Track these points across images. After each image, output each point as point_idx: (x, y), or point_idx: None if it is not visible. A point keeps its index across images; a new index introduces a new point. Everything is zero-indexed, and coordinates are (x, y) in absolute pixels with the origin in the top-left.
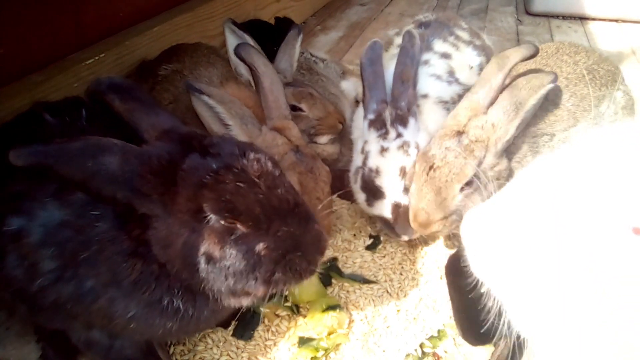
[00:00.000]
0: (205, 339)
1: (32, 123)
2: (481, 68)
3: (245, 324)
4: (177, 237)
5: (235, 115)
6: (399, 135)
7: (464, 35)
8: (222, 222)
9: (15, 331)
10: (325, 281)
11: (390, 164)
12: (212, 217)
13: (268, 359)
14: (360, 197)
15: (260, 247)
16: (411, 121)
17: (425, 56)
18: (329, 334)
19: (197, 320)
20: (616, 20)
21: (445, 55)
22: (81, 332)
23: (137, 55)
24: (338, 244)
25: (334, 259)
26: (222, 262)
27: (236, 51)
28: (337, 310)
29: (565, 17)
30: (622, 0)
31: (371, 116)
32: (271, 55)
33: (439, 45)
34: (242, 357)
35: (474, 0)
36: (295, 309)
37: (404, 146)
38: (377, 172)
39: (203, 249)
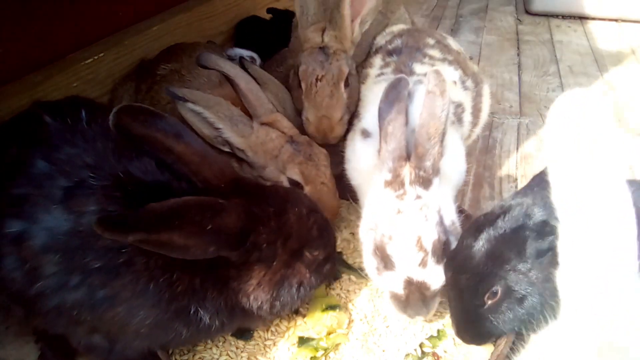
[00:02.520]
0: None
1: (31, 124)
2: (462, 82)
3: None
4: (275, 275)
5: (224, 118)
6: (418, 197)
7: (436, 53)
8: (309, 255)
9: (14, 331)
10: (333, 277)
11: (405, 229)
12: (306, 253)
13: (267, 358)
14: (370, 263)
15: (327, 268)
16: (435, 182)
17: (414, 79)
18: (329, 333)
19: (213, 333)
20: (616, 20)
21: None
22: (82, 336)
23: (136, 55)
24: (337, 243)
25: (339, 253)
26: (307, 286)
27: (198, 62)
28: (337, 310)
29: (565, 17)
30: (622, 0)
31: (387, 176)
32: (269, 52)
33: (419, 68)
34: (241, 357)
35: (474, 0)
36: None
37: (423, 209)
38: (390, 238)
39: (297, 279)
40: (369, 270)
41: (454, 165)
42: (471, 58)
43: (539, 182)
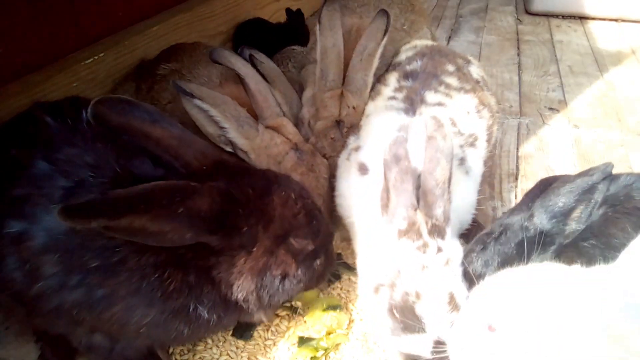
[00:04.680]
0: (205, 338)
1: (32, 124)
2: (477, 111)
3: (244, 323)
4: (258, 263)
5: (230, 118)
6: (439, 249)
7: (453, 82)
8: (295, 243)
9: (15, 331)
10: (334, 277)
11: (436, 287)
12: (292, 241)
13: (268, 358)
14: (385, 323)
15: (317, 263)
16: (448, 231)
17: (422, 109)
18: (328, 333)
19: (212, 328)
20: (616, 20)
21: (440, 104)
22: (83, 336)
23: (136, 55)
24: (337, 242)
25: (338, 255)
26: (293, 279)
27: (211, 56)
28: (337, 310)
29: (565, 17)
30: (622, 0)
31: (402, 224)
32: (270, 53)
33: (432, 97)
34: (241, 357)
35: (474, 0)
36: (295, 309)
37: (449, 263)
38: (418, 296)
39: (281, 269)
40: (382, 332)
41: (459, 212)
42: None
43: (533, 198)
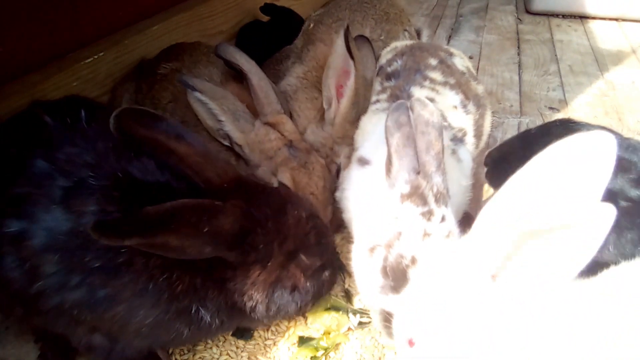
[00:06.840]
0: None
1: (31, 124)
2: (463, 106)
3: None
4: (270, 276)
5: (227, 111)
6: (443, 219)
7: (437, 76)
8: (305, 259)
9: (14, 331)
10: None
11: (432, 256)
12: (302, 257)
13: (268, 358)
14: (376, 281)
15: (325, 275)
16: (449, 204)
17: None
18: (327, 333)
19: (213, 331)
20: (616, 19)
21: (430, 99)
22: (82, 336)
23: (136, 54)
24: (337, 242)
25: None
26: (302, 291)
27: (216, 52)
28: (340, 312)
29: (565, 16)
30: None
31: (405, 188)
32: (271, 55)
33: (418, 92)
34: (241, 357)
35: None
36: None
37: (450, 236)
38: (414, 262)
39: (291, 282)
40: (371, 287)
41: (456, 199)
42: (471, 57)
43: None
